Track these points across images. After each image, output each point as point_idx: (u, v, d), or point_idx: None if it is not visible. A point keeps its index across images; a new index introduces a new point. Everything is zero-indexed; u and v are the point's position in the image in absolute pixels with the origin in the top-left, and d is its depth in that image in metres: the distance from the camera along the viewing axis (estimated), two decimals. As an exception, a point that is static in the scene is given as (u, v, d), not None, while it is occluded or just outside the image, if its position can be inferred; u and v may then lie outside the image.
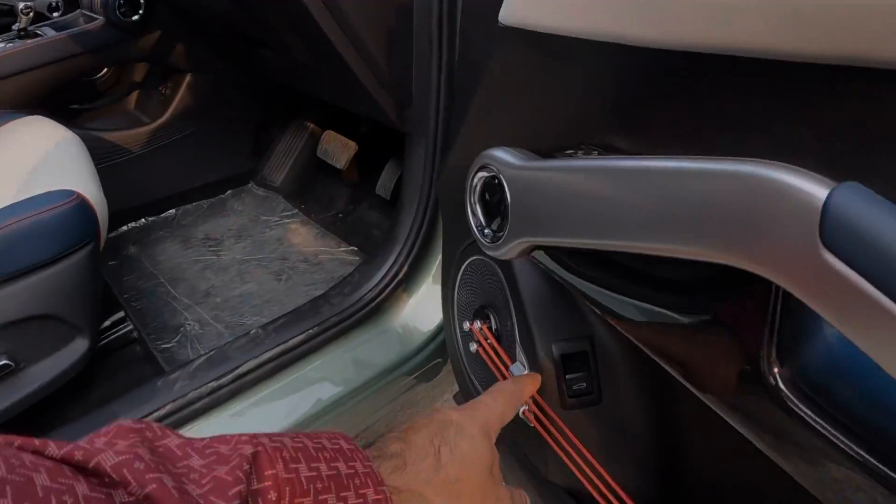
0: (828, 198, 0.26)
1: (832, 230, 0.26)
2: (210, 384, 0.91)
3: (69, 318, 0.94)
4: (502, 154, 0.51)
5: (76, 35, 1.40)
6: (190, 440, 0.31)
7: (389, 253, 1.02)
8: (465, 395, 0.79)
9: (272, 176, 1.69)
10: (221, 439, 0.32)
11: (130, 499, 0.25)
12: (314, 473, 0.32)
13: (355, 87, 1.01)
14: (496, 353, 0.64)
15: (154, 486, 0.25)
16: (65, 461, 0.25)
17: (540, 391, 0.58)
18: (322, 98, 1.33)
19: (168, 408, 0.88)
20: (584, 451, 0.57)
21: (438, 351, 1.06)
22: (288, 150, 1.69)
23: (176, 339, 1.19)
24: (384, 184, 1.43)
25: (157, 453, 0.28)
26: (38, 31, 1.47)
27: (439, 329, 1.04)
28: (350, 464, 0.34)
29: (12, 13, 1.55)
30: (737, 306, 0.40)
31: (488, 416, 0.47)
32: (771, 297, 0.37)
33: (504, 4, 0.52)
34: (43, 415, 0.98)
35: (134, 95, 1.70)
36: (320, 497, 0.31)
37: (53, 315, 0.92)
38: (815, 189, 0.27)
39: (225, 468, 0.29)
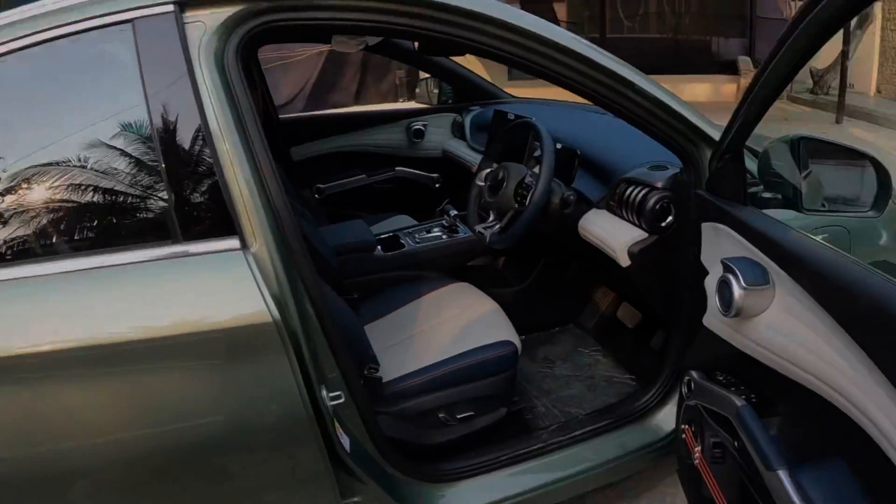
0: None
1: None
2: (557, 440, 1.74)
3: (501, 398, 1.87)
4: (694, 373, 1.46)
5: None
6: None
7: (653, 386, 1.85)
8: (682, 468, 1.59)
9: (586, 322, 2.63)
10: None
11: None
12: None
13: (646, 299, 1.97)
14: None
15: None
16: None
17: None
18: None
19: (536, 448, 1.71)
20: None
21: (671, 442, 1.75)
22: (597, 307, 2.62)
23: (532, 413, 2.14)
24: (657, 341, 2.26)
25: None
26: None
27: (671, 431, 1.74)
28: None
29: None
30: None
31: None
32: None
33: (704, 317, 1.46)
34: (472, 442, 1.79)
35: (501, 260, 2.80)
36: None
37: (495, 395, 1.85)
38: None
39: None
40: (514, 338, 1.90)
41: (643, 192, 1.78)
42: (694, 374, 1.48)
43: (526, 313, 2.46)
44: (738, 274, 1.25)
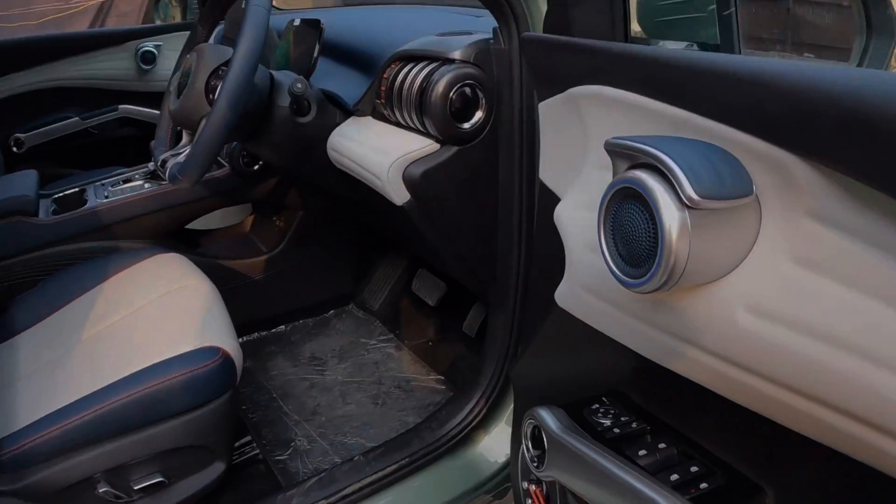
0: None
1: None
2: (321, 502, 1.11)
3: (212, 447, 1.14)
4: (545, 414, 0.74)
5: (207, 181, 1.67)
6: None
7: (471, 397, 1.22)
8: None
9: (371, 300, 1.96)
10: None
11: None
12: None
13: (446, 262, 1.25)
14: None
15: None
16: None
17: None
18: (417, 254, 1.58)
19: None
20: None
21: (506, 478, 1.25)
22: (385, 277, 1.96)
23: (288, 453, 1.41)
24: (470, 323, 1.65)
25: None
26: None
27: (507, 463, 1.23)
28: None
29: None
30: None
31: None
32: None
33: (559, 289, 0.75)
34: None
35: (249, 220, 2.00)
36: None
37: (199, 445, 1.12)
38: None
39: None
40: (229, 341, 1.18)
41: (428, 69, 1.10)
42: (545, 416, 0.74)
43: (283, 292, 1.87)
44: (678, 171, 0.49)
